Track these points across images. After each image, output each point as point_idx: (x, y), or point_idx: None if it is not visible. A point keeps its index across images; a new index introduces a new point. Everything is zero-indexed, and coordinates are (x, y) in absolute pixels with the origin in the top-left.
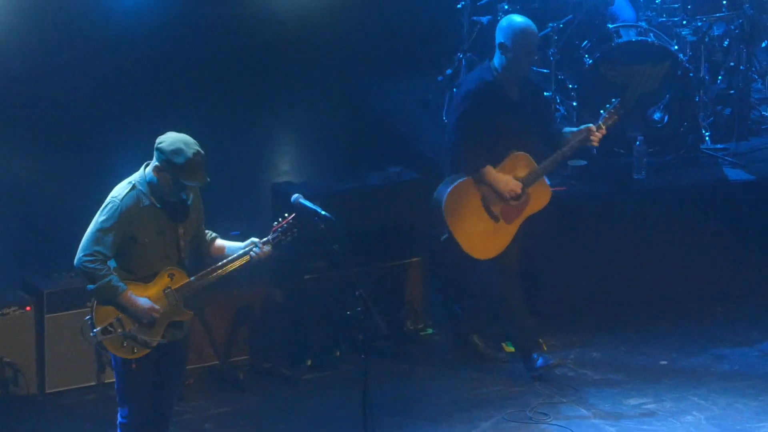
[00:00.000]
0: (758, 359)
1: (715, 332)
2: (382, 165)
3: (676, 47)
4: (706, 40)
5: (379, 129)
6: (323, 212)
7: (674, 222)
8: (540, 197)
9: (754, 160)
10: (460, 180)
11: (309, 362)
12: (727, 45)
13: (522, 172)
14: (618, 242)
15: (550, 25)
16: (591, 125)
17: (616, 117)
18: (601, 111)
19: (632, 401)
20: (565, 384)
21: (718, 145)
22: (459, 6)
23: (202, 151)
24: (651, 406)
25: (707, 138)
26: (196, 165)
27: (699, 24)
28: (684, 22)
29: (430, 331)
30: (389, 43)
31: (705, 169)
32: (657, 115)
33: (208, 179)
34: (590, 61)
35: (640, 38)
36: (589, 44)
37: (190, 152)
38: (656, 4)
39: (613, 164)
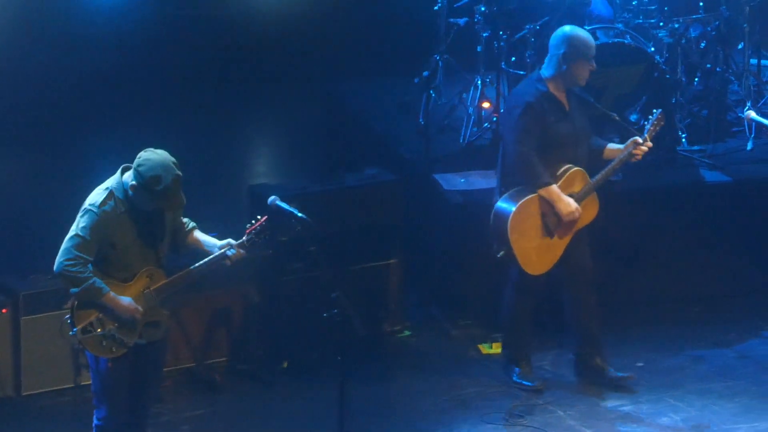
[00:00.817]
0: (735, 361)
1: (692, 333)
2: (358, 166)
3: (652, 49)
4: (683, 41)
5: (356, 130)
6: (300, 214)
7: (651, 223)
8: (590, 211)
9: (730, 162)
10: (526, 197)
11: (285, 364)
12: (704, 47)
13: (578, 187)
14: (594, 243)
15: (527, 27)
16: (637, 137)
17: (658, 128)
18: (645, 123)
19: (608, 403)
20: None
21: (695, 147)
22: (435, 8)
23: (180, 174)
24: (627, 408)
25: (684, 140)
26: (174, 192)
27: (676, 26)
28: (661, 24)
29: (407, 333)
30: (365, 45)
31: (681, 171)
32: (634, 117)
33: (185, 201)
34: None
35: (616, 40)
36: None
37: (168, 179)
38: (633, 5)
39: (589, 166)
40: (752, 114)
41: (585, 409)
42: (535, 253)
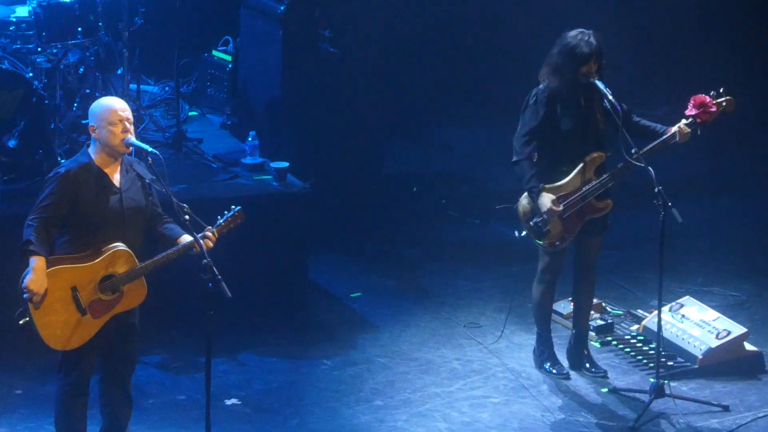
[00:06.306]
0: None
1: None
2: None
3: (31, 74)
4: (62, 67)
5: None
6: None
7: None
8: (136, 295)
9: None
10: (50, 268)
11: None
12: (83, 72)
13: (121, 268)
14: None
15: None
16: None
17: (233, 225)
18: (220, 218)
19: None
20: None
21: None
22: None
23: None
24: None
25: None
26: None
27: (54, 51)
28: (39, 49)
29: None
30: None
31: None
32: (12, 143)
33: None
34: None
35: None
36: None
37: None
38: (11, 30)
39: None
40: (132, 138)
41: None
42: (62, 327)
